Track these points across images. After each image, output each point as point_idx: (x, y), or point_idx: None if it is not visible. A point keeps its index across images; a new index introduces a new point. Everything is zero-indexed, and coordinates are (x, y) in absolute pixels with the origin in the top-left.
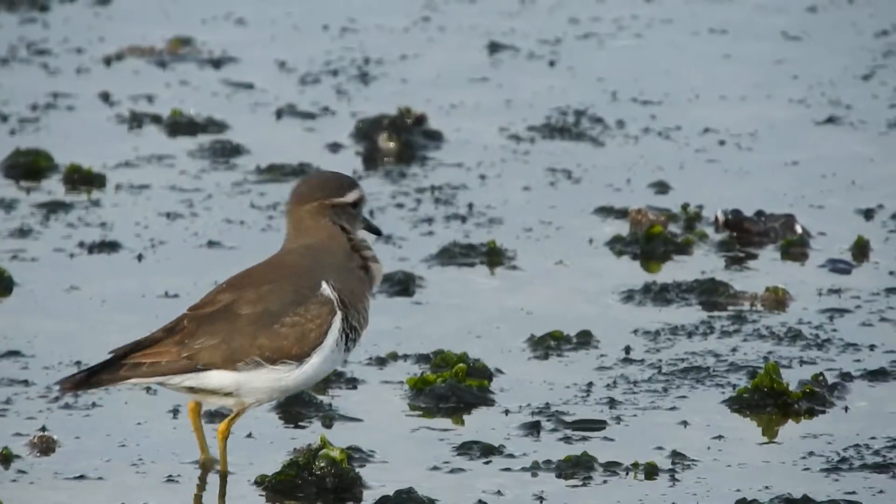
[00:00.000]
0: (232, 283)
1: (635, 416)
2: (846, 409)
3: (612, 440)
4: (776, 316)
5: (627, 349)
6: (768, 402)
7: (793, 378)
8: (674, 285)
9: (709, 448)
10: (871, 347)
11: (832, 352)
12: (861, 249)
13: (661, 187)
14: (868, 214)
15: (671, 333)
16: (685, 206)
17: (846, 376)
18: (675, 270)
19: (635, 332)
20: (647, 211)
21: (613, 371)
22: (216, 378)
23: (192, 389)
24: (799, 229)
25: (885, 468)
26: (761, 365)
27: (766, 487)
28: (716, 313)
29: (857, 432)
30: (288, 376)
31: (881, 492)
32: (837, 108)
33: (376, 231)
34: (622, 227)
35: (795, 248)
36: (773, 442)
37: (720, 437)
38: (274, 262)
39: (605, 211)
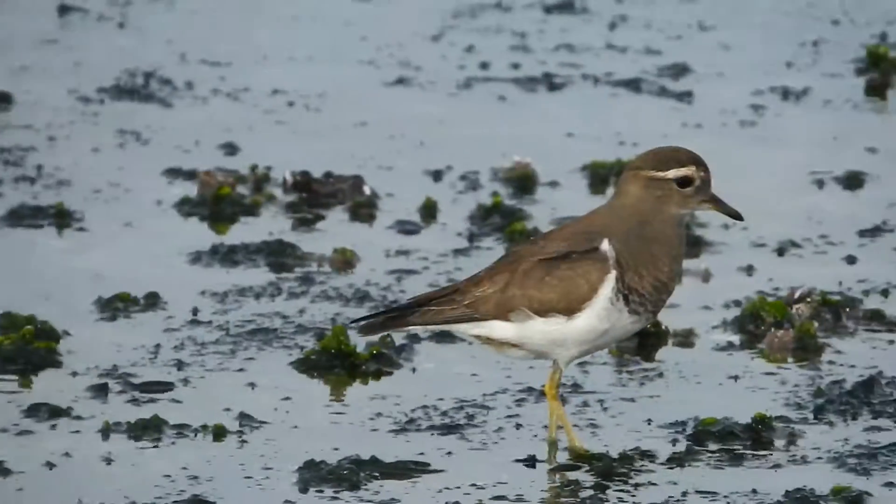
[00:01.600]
0: (538, 237)
1: (203, 377)
2: (414, 370)
3: (180, 402)
4: (344, 277)
5: (195, 311)
6: (336, 363)
7: (361, 340)
8: (242, 247)
9: (276, 409)
10: None
11: None
12: (429, 210)
13: (230, 149)
14: (436, 175)
15: (239, 295)
16: (254, 168)
17: (414, 338)
18: (244, 232)
19: (203, 293)
20: (215, 172)
21: (181, 333)
22: (499, 328)
23: (480, 338)
24: (367, 190)
25: (452, 429)
26: (329, 326)
27: (335, 449)
28: (284, 275)
29: (424, 393)
30: (559, 329)
31: (449, 453)
32: (407, 69)
33: (733, 215)
34: (191, 189)
35: (363, 209)
36: (342, 403)
37: (288, 398)
38: (580, 219)
39: (174, 172)
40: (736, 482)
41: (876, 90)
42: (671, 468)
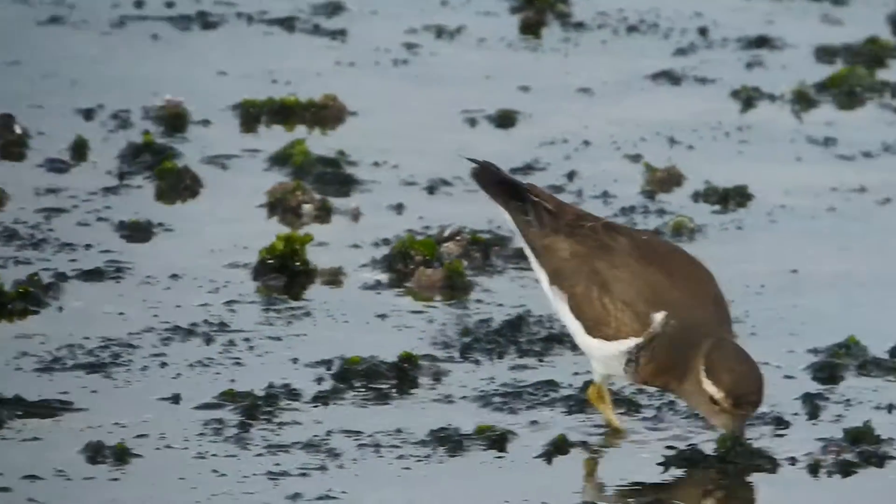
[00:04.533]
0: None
1: None
2: (61, 309)
3: None
4: None
5: None
6: None
7: (8, 278)
8: None
9: None
10: (87, 247)
11: (48, 251)
12: (79, 150)
13: None
14: (88, 114)
15: None
16: None
17: (61, 276)
18: None
19: None
20: None
21: None
22: (543, 277)
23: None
24: (18, 129)
25: (98, 367)
26: None
27: None
28: None
29: (70, 332)
30: (571, 326)
31: (94, 391)
32: (60, 8)
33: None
34: None
35: (13, 148)
36: None
37: None
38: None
39: None
40: (381, 421)
41: (530, 28)
42: (316, 406)
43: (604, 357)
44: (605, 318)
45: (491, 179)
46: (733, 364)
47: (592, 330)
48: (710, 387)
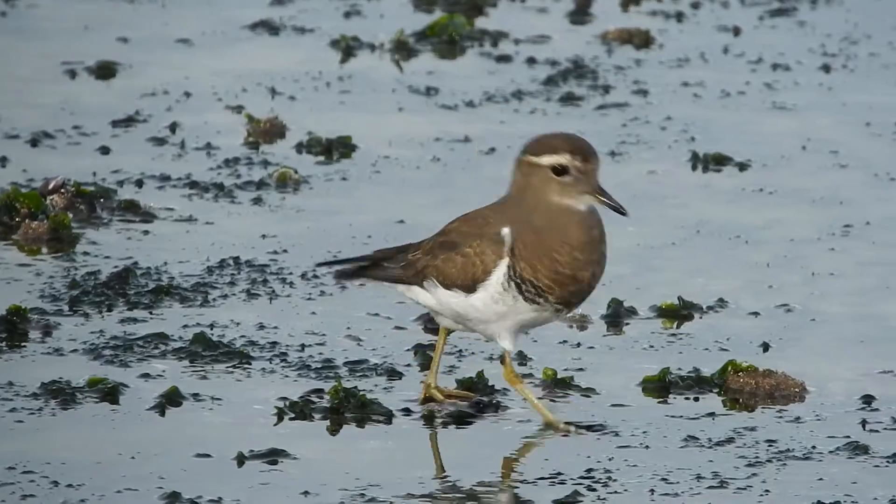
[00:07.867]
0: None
1: None
2: None
3: None
4: None
5: None
6: None
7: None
8: None
9: None
10: None
11: None
12: None
13: None
14: None
15: None
16: None
17: None
18: None
19: None
20: None
21: None
22: (421, 294)
23: (418, 304)
24: None
25: None
26: None
27: None
28: None
29: None
30: (459, 303)
31: None
32: None
33: (615, 209)
34: None
35: None
36: None
37: None
38: (496, 203)
39: None
40: None
41: None
42: None
43: (491, 299)
44: (471, 261)
45: (350, 272)
46: (550, 136)
47: (469, 281)
48: (550, 159)
